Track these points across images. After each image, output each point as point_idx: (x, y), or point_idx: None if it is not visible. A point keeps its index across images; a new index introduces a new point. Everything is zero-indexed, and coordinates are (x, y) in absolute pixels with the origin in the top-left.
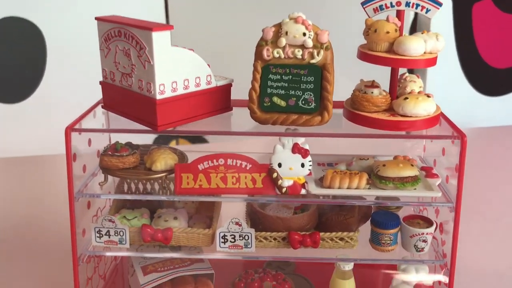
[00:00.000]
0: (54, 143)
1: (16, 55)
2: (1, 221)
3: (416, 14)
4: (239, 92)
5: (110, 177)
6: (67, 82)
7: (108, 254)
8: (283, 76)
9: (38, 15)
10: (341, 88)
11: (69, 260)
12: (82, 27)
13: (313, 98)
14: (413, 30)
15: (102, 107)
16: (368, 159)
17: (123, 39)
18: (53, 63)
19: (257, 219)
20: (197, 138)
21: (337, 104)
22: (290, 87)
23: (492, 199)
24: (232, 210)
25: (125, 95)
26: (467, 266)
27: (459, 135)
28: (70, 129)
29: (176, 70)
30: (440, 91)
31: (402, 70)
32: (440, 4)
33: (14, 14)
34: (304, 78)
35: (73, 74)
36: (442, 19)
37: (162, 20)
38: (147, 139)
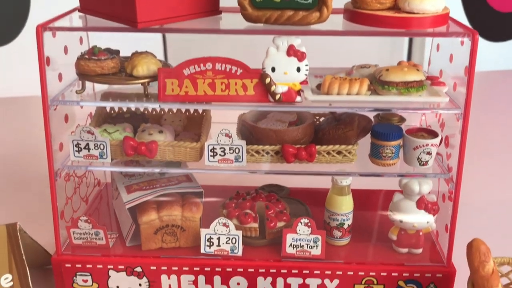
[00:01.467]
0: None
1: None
2: None
3: None
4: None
5: (89, 88)
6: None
7: (89, 168)
8: None
9: None
10: None
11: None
12: None
13: None
14: None
15: (79, 10)
16: (369, 67)
17: None
18: (37, 7)
19: (248, 133)
20: None
21: (337, 11)
22: None
23: (494, 138)
24: (222, 126)
25: None
26: (469, 196)
27: (469, 32)
28: (41, 27)
29: None
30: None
31: None
32: None
33: None
34: None
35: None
36: None
37: None
38: (128, 47)
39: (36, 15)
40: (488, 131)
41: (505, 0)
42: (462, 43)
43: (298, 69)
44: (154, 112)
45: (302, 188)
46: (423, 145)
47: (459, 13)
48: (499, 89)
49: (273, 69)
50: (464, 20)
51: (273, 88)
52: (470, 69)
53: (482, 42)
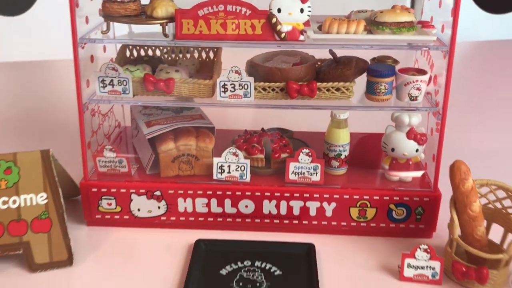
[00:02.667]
0: (55, 50)
1: None
2: (13, 107)
3: None
4: None
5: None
6: None
7: (113, 102)
8: None
9: None
10: None
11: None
12: None
13: None
14: None
15: None
16: (366, 11)
17: None
18: None
19: (256, 73)
20: None
21: None
22: None
23: (484, 95)
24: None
25: None
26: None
27: None
28: None
29: None
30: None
31: None
32: None
33: None
34: None
35: None
36: None
37: None
38: None
39: None
40: (480, 90)
41: None
42: None
43: (302, 10)
44: (169, 58)
45: (304, 132)
46: (413, 81)
47: None
48: (496, 56)
49: (279, 10)
50: None
51: (278, 27)
52: (455, 10)
53: (482, 14)
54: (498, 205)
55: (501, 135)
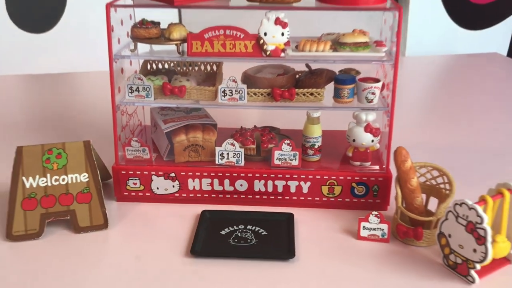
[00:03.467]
0: (84, 63)
1: None
2: (50, 111)
3: None
4: None
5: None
6: (85, 14)
7: (138, 104)
8: None
9: None
10: None
11: (110, 128)
12: None
13: None
14: None
15: None
16: (333, 34)
17: None
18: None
19: (248, 81)
20: None
21: None
22: None
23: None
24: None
25: None
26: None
27: (396, 6)
28: (109, 5)
29: None
30: (424, 25)
31: None
32: None
33: None
34: None
35: (91, 5)
36: None
37: None
38: (167, 20)
39: (71, 6)
40: (447, 97)
41: None
42: (395, 15)
43: (282, 34)
44: (182, 70)
45: (289, 129)
46: (369, 88)
47: (439, 7)
48: (469, 68)
49: (265, 34)
50: (443, 12)
51: (265, 47)
52: (397, 34)
53: (460, 30)
54: (433, 182)
55: (447, 133)
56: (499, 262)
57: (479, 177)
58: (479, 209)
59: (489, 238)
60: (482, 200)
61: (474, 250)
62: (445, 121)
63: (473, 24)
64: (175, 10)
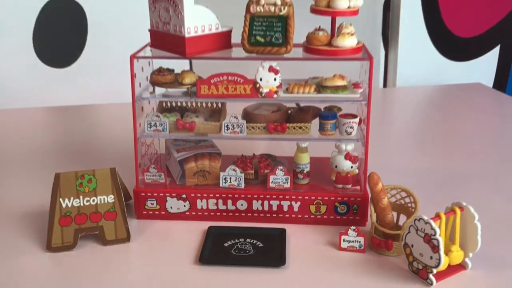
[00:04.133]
0: (105, 95)
1: (63, 28)
2: (73, 141)
3: None
4: (236, 37)
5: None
6: (104, 50)
7: (155, 137)
8: (263, 23)
9: None
10: (302, 34)
11: (130, 156)
12: (114, 5)
13: (281, 36)
14: (387, 4)
15: (150, 46)
16: (318, 78)
17: (164, 0)
18: (93, 34)
19: (247, 117)
20: None
21: (299, 45)
22: (267, 30)
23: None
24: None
25: (165, 36)
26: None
27: (368, 57)
28: (133, 56)
29: (197, 19)
30: (412, 57)
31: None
32: None
33: None
34: (275, 24)
35: (108, 43)
36: None
37: None
38: (180, 67)
39: (91, 42)
40: (428, 127)
41: (464, 28)
42: (368, 66)
43: (275, 79)
44: (192, 107)
45: (283, 156)
46: (348, 122)
47: (425, 41)
48: (457, 99)
49: (260, 79)
50: (431, 45)
51: (260, 90)
52: (369, 78)
53: (447, 62)
54: (402, 201)
55: (424, 158)
56: (454, 268)
57: (442, 197)
58: (433, 223)
59: (442, 247)
60: (437, 216)
61: (431, 257)
62: (423, 148)
63: (459, 56)
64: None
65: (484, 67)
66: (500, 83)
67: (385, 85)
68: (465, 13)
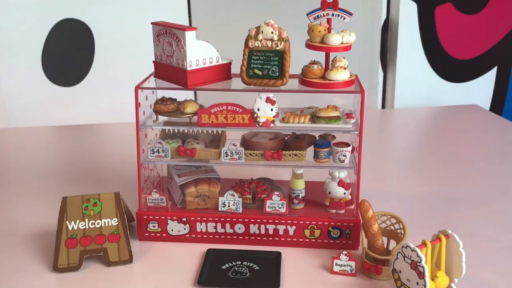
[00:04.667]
0: (111, 113)
1: (71, 48)
2: (77, 162)
3: (387, 15)
4: (235, 67)
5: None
6: (110, 69)
7: (157, 163)
8: (260, 57)
9: (87, 16)
10: (298, 67)
11: (134, 178)
12: (121, 25)
13: (278, 70)
14: (385, 27)
15: (154, 76)
16: (313, 108)
17: (168, 35)
18: (100, 55)
19: (245, 144)
20: None
21: (294, 76)
22: (264, 63)
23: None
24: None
25: (168, 68)
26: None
27: (360, 90)
28: (137, 87)
29: (198, 53)
30: (410, 80)
31: (336, 54)
32: (351, 14)
33: (69, 16)
34: (272, 58)
35: (114, 63)
36: (409, 20)
37: (185, 20)
38: (183, 96)
39: (98, 62)
40: (432, 146)
41: (461, 50)
42: (358, 98)
43: (272, 109)
44: (193, 133)
45: (280, 180)
46: (341, 151)
47: (423, 63)
48: (453, 120)
49: (258, 109)
50: (427, 66)
51: (258, 119)
52: (361, 108)
53: (443, 83)
54: (392, 227)
55: (416, 182)
56: None
57: (433, 222)
58: (419, 251)
59: (427, 274)
60: (423, 244)
61: (417, 283)
62: (417, 171)
63: (457, 77)
64: None
65: (481, 89)
66: (497, 106)
67: (383, 106)
68: (462, 36)
